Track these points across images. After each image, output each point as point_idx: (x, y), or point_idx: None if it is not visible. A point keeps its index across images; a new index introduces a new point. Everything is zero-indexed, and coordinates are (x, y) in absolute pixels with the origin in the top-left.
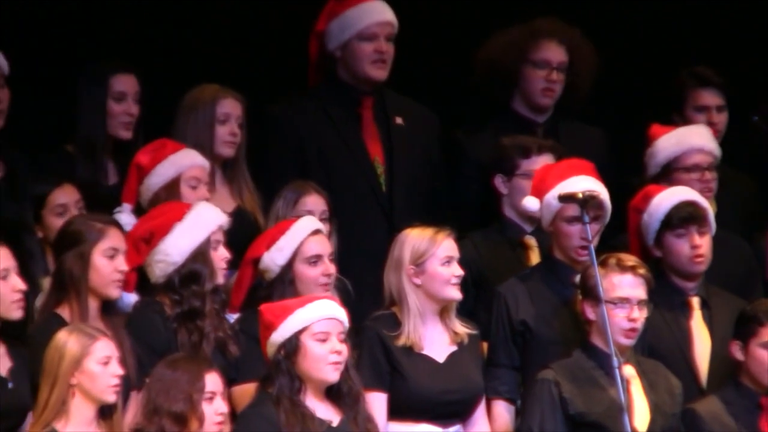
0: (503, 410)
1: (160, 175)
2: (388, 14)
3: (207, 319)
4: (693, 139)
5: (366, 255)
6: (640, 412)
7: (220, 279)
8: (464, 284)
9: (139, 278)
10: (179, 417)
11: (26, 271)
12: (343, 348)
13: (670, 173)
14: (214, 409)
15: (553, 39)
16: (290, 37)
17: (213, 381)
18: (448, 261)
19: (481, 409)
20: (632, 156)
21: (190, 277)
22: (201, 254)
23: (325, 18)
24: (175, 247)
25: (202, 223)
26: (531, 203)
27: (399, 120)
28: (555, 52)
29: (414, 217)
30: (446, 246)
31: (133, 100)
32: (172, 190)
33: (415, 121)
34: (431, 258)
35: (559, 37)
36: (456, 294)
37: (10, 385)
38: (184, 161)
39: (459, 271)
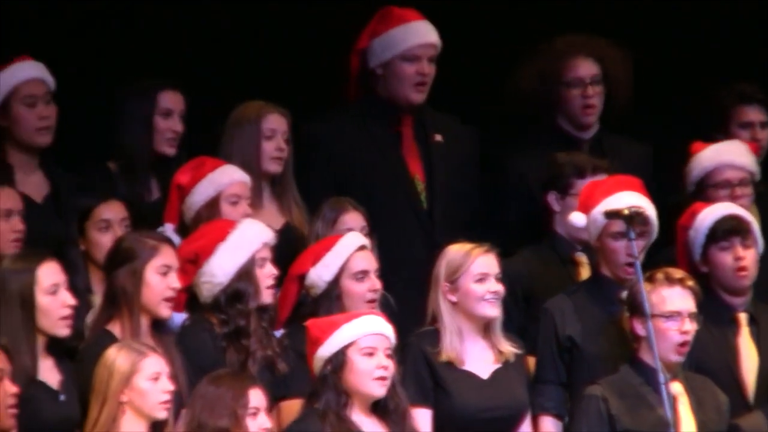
0: (550, 426)
1: (200, 194)
2: (431, 36)
3: (252, 337)
4: (724, 155)
5: (406, 272)
6: (687, 430)
7: (268, 297)
8: (514, 300)
9: (189, 298)
10: None
11: (71, 285)
12: (390, 363)
13: (704, 190)
14: (258, 425)
15: (579, 55)
16: (329, 54)
17: (257, 397)
18: (483, 278)
19: (526, 425)
20: (677, 173)
21: (235, 296)
22: (245, 273)
23: (367, 36)
24: (220, 268)
25: (245, 242)
26: (577, 219)
27: (438, 137)
28: (585, 68)
29: (454, 233)
30: (480, 262)
31: (179, 117)
32: (212, 208)
33: (454, 138)
34: (464, 275)
35: (585, 51)
36: (491, 311)
37: (61, 398)
38: (223, 179)
39: (495, 288)
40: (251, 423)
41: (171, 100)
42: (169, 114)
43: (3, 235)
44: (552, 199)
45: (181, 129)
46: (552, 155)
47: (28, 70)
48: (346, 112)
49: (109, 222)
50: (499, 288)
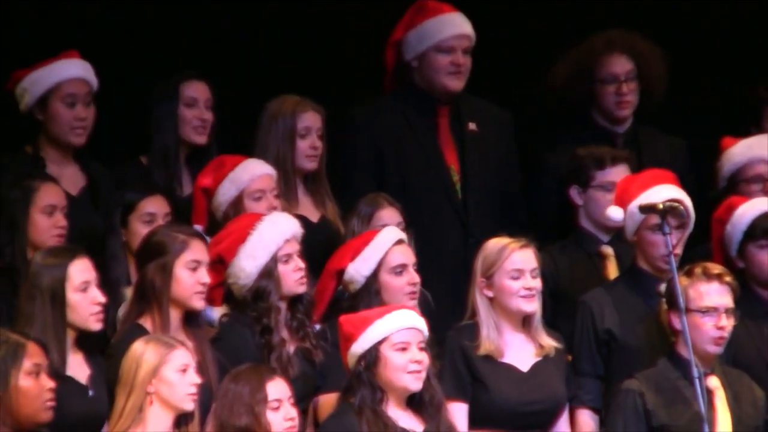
0: (588, 419)
1: (224, 195)
2: (465, 27)
3: (282, 331)
4: (756, 149)
5: (441, 263)
6: (723, 425)
7: (299, 289)
8: (543, 296)
9: (226, 292)
10: (245, 431)
11: (108, 273)
12: (424, 357)
13: (736, 184)
14: (282, 416)
15: (614, 52)
16: (366, 45)
17: (277, 388)
18: (517, 274)
19: (564, 419)
20: (712, 169)
21: (258, 294)
22: (267, 273)
23: (402, 28)
24: (242, 270)
25: (265, 242)
26: (615, 213)
27: (473, 126)
28: (619, 64)
29: (489, 223)
30: (515, 258)
31: (205, 106)
32: (238, 207)
33: (489, 124)
34: (499, 271)
35: (619, 48)
36: (526, 306)
37: (90, 393)
38: (243, 177)
39: (530, 284)
40: (273, 416)
41: (195, 89)
42: (194, 103)
43: (45, 231)
44: (574, 193)
45: (209, 118)
46: (573, 150)
47: (73, 69)
48: (386, 100)
49: (153, 216)
50: (535, 283)
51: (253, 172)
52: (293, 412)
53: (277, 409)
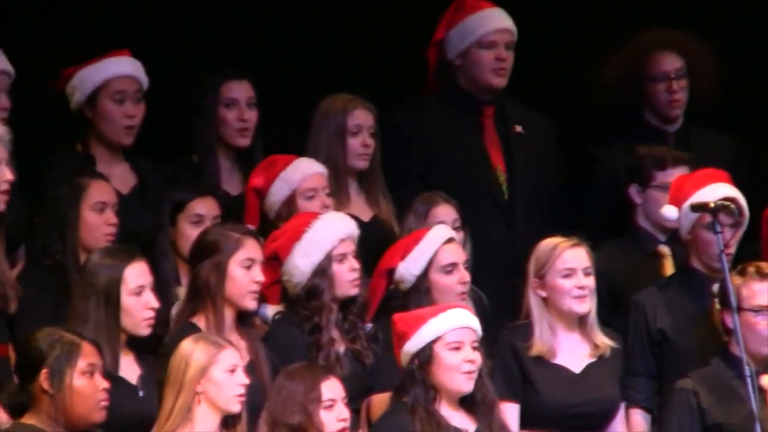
0: (640, 419)
1: (276, 195)
2: (506, 22)
3: (332, 331)
4: None
5: (487, 263)
6: None
7: (352, 290)
8: (599, 295)
9: (283, 289)
10: (297, 429)
11: (158, 271)
12: (477, 357)
13: None
14: (335, 416)
15: (663, 49)
16: (410, 45)
17: (331, 388)
18: (569, 273)
19: (619, 420)
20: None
21: (310, 292)
22: (321, 271)
23: (443, 27)
24: (296, 268)
25: (319, 241)
26: (670, 212)
27: (519, 128)
28: (669, 62)
29: (535, 224)
30: (565, 258)
31: (246, 106)
32: (290, 206)
33: (534, 129)
34: (550, 271)
35: (669, 45)
36: (578, 307)
37: (140, 394)
38: (295, 176)
39: (583, 283)
40: (327, 415)
41: (235, 90)
42: (234, 104)
43: (96, 229)
44: (633, 192)
45: (250, 117)
46: (633, 148)
47: (123, 66)
48: (430, 102)
49: (202, 217)
50: (588, 283)
51: (304, 171)
52: (346, 413)
53: (330, 408)
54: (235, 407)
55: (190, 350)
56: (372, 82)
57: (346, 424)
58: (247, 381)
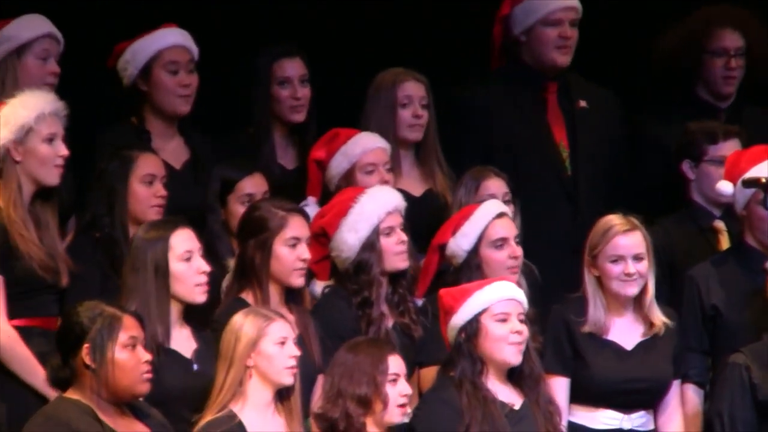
0: (693, 394)
1: (336, 168)
2: (572, 0)
3: (379, 305)
4: None
5: (550, 239)
6: None
7: (401, 263)
8: (659, 270)
9: (333, 265)
10: (363, 400)
11: (213, 252)
12: (524, 328)
13: None
14: (398, 391)
15: (727, 26)
16: (473, 20)
17: (396, 363)
18: (617, 259)
19: (674, 396)
20: None
21: (360, 267)
22: (369, 245)
23: (509, 3)
24: (344, 243)
25: (366, 215)
26: (725, 187)
27: (583, 103)
28: (731, 39)
29: (598, 200)
30: (616, 243)
31: (299, 83)
32: (349, 179)
33: (598, 104)
34: (601, 254)
35: (732, 23)
36: (626, 290)
37: (195, 368)
38: (356, 150)
39: (631, 269)
40: (391, 390)
41: (287, 68)
42: (287, 82)
43: (145, 201)
44: (686, 167)
45: (303, 94)
46: (685, 124)
47: (173, 37)
48: (493, 79)
49: (252, 196)
50: (637, 269)
51: (365, 146)
52: (408, 389)
53: (394, 382)
54: (287, 379)
55: (240, 324)
56: (435, 59)
57: (407, 400)
58: (298, 353)
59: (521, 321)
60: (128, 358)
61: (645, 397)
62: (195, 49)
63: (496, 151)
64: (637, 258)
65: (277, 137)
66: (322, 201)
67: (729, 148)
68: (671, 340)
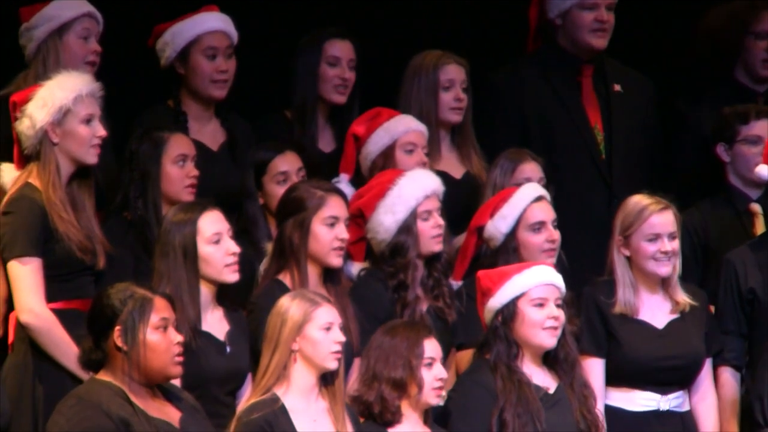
0: (730, 376)
1: (376, 143)
2: None
3: (414, 289)
4: None
5: (585, 222)
6: None
7: (436, 247)
8: (693, 251)
9: (368, 247)
10: (398, 383)
11: (250, 236)
12: (560, 313)
13: None
14: (434, 375)
15: None
16: (510, 3)
17: (432, 347)
18: (654, 237)
19: (706, 375)
20: None
21: (396, 249)
22: (406, 228)
23: None
24: (381, 225)
25: (404, 198)
26: (763, 171)
27: (617, 87)
28: None
29: (633, 183)
30: (653, 221)
31: (347, 65)
32: (388, 156)
33: (633, 88)
34: (636, 233)
35: None
36: (662, 270)
37: (228, 350)
38: (399, 128)
39: (667, 248)
40: (426, 373)
41: (339, 48)
42: (337, 62)
43: (177, 182)
44: (721, 150)
45: (350, 77)
46: (715, 108)
47: (213, 22)
48: (527, 62)
49: (286, 174)
50: (672, 246)
51: (408, 125)
52: (444, 373)
53: (430, 366)
54: (332, 364)
55: (286, 307)
56: (471, 41)
57: (442, 384)
58: (343, 338)
59: (558, 306)
60: (160, 340)
61: (679, 375)
62: (235, 35)
63: (530, 133)
64: (672, 236)
65: (317, 118)
66: (355, 179)
67: (762, 127)
68: (699, 319)
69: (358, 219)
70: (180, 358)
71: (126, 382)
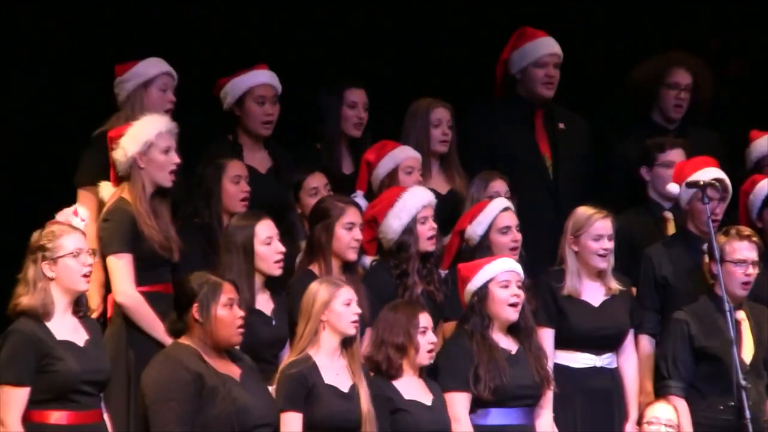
0: (647, 343)
1: (383, 167)
2: (556, 47)
3: (414, 276)
4: None
5: (536, 227)
6: (747, 346)
7: (430, 246)
8: (620, 247)
9: (378, 245)
10: (400, 347)
11: (291, 238)
12: (521, 293)
13: (761, 167)
14: (427, 340)
15: (682, 66)
16: (482, 62)
17: (425, 319)
18: (598, 238)
19: (629, 341)
20: (741, 154)
21: (400, 246)
22: (408, 230)
23: (509, 49)
24: (390, 228)
25: (407, 208)
26: (673, 188)
27: (561, 125)
28: (683, 77)
29: (573, 198)
30: (597, 226)
31: (362, 108)
32: (393, 177)
33: (573, 126)
34: (584, 234)
35: (686, 64)
36: (601, 264)
37: (273, 323)
38: (400, 156)
39: (607, 245)
40: (421, 339)
41: (356, 94)
42: (354, 106)
43: (234, 196)
44: (644, 171)
45: (364, 117)
46: (642, 140)
47: (262, 76)
48: (495, 106)
49: (316, 189)
50: (610, 246)
51: (407, 153)
52: (434, 338)
53: (424, 333)
54: (351, 331)
55: (317, 289)
56: (455, 90)
57: (433, 347)
58: (359, 310)
59: (519, 287)
60: (227, 315)
61: (610, 341)
62: (279, 86)
63: (498, 159)
64: (610, 237)
65: (341, 148)
66: (367, 194)
67: (674, 155)
68: (625, 299)
69: (372, 223)
70: (241, 330)
71: (201, 346)
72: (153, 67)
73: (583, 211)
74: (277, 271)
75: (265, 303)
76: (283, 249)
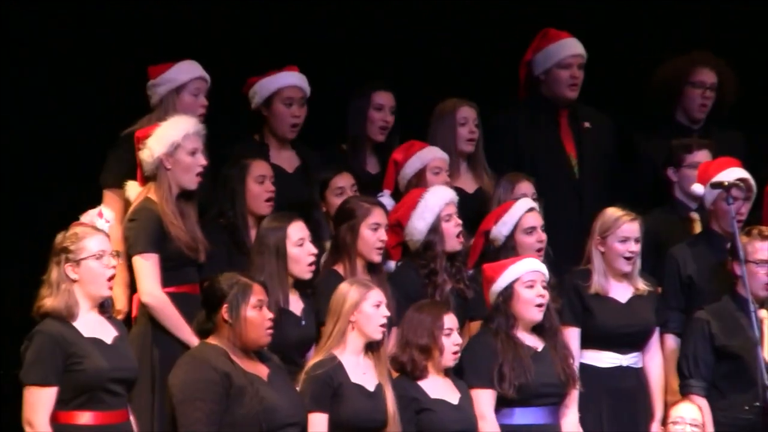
0: (672, 342)
1: (411, 167)
2: (580, 48)
3: (442, 275)
4: None
5: (562, 227)
6: None
7: (457, 245)
8: (647, 247)
9: (403, 249)
10: (425, 348)
11: (316, 237)
12: (546, 293)
13: None
14: (452, 342)
15: (706, 65)
16: (508, 62)
17: (450, 320)
18: (625, 240)
19: (655, 340)
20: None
21: (427, 246)
22: (434, 229)
23: (532, 50)
24: (415, 229)
25: (430, 207)
26: (698, 188)
27: (587, 124)
28: (708, 76)
29: (599, 198)
30: (625, 228)
31: (389, 111)
32: (420, 177)
33: (598, 125)
34: (611, 235)
35: (711, 64)
36: (626, 267)
37: (302, 323)
38: (428, 156)
39: (633, 248)
40: (446, 340)
41: (383, 97)
42: (381, 108)
43: (258, 196)
44: (670, 172)
45: (391, 121)
46: (668, 141)
47: (291, 78)
48: (520, 107)
49: (342, 189)
50: (637, 249)
51: (435, 153)
52: (459, 339)
53: (449, 335)
54: (378, 335)
55: (347, 290)
56: (481, 90)
57: (459, 348)
58: (389, 313)
59: (544, 287)
60: (256, 316)
61: (636, 339)
62: (307, 88)
63: (523, 159)
64: (637, 240)
65: (366, 149)
66: (395, 194)
67: (701, 156)
68: (652, 299)
69: (397, 228)
70: (270, 331)
71: (229, 346)
72: (186, 71)
73: (612, 212)
74: (307, 275)
75: (295, 303)
76: (314, 251)
